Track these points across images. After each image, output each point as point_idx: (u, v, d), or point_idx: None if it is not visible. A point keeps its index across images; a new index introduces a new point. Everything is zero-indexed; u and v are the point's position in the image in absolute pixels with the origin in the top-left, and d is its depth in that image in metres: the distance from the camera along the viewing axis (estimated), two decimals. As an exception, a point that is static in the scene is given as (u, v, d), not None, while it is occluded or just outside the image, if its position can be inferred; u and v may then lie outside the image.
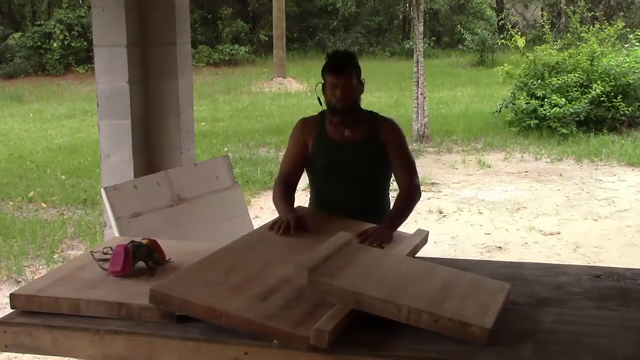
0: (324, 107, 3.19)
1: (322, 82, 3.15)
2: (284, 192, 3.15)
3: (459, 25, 23.32)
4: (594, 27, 13.50)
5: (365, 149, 3.16)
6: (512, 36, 12.83)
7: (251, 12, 27.47)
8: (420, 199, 3.23)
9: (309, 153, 3.21)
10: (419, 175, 3.28)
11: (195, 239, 3.63)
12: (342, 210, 3.12)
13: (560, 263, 4.54)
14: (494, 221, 6.93)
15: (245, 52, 23.92)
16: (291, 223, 2.87)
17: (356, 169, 3.15)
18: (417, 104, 11.25)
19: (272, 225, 2.90)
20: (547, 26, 14.03)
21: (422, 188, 3.28)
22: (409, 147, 3.30)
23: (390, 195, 3.36)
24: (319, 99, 3.21)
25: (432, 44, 25.21)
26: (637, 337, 2.17)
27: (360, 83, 3.15)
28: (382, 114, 3.28)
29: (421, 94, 11.24)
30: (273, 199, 3.19)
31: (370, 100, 14.16)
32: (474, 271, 2.57)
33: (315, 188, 3.32)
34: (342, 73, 3.07)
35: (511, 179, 8.75)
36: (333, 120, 3.17)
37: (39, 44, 22.20)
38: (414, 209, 3.21)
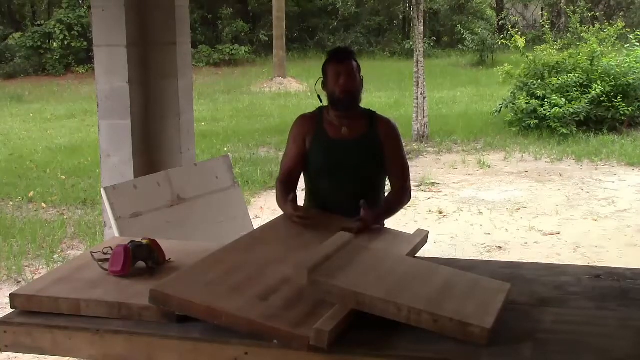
0: (324, 104, 3.20)
1: (322, 79, 3.16)
2: (287, 192, 3.11)
3: (459, 25, 23.32)
4: (594, 27, 13.51)
5: (362, 147, 3.16)
6: (512, 36, 12.83)
7: (251, 12, 27.48)
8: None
9: (306, 150, 3.21)
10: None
11: (195, 239, 3.62)
12: (336, 209, 3.12)
13: (560, 263, 4.55)
14: (494, 221, 6.92)
15: (245, 52, 23.93)
16: (302, 214, 2.95)
17: (352, 167, 3.15)
18: (417, 104, 11.25)
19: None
20: (547, 26, 14.04)
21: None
22: (406, 149, 3.31)
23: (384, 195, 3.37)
24: (319, 96, 3.22)
25: (432, 44, 25.20)
26: (637, 337, 2.17)
27: (361, 78, 3.16)
28: (380, 114, 3.28)
29: (421, 94, 11.24)
30: (277, 201, 3.18)
31: (370, 100, 14.15)
32: (474, 271, 2.57)
33: (310, 186, 3.31)
34: (346, 60, 3.11)
35: (511, 179, 8.74)
36: (331, 117, 3.17)
37: (39, 44, 22.22)
38: (405, 208, 3.22)
